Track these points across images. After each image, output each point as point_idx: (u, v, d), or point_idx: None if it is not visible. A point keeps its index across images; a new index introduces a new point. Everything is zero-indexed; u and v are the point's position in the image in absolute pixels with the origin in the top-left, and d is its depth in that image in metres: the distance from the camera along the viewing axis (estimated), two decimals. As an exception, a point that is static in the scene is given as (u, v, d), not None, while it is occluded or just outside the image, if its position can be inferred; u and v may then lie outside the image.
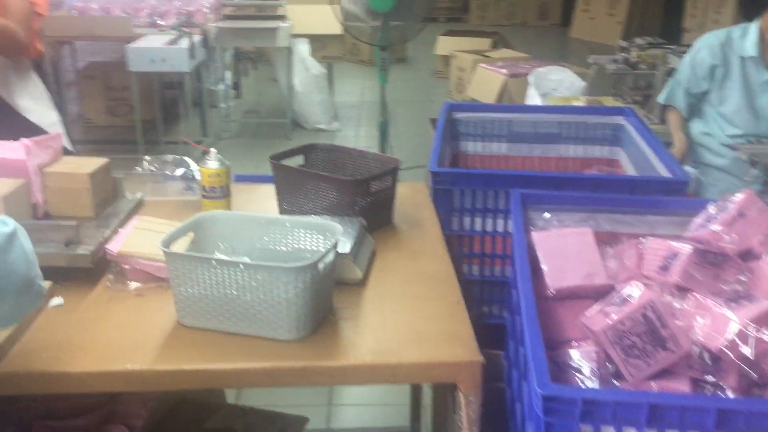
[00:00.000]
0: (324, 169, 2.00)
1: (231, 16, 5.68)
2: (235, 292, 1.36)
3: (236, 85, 6.90)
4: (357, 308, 1.50)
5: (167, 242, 1.42)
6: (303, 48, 5.81)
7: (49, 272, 1.51)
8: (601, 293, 1.66)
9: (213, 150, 1.79)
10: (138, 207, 1.85)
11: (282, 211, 1.91)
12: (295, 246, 1.54)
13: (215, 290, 1.37)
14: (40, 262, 1.49)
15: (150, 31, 4.97)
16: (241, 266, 1.34)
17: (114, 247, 1.58)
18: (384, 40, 3.89)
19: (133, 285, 1.55)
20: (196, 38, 4.75)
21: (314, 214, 1.83)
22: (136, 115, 4.80)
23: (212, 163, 1.77)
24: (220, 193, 1.79)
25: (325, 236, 1.50)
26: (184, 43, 4.53)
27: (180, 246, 1.48)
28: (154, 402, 1.88)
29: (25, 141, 1.68)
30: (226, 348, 1.36)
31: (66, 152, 2.09)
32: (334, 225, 1.49)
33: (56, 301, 1.50)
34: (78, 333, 1.40)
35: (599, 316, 1.57)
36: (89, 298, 1.52)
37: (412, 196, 2.09)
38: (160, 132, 5.13)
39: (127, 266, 1.58)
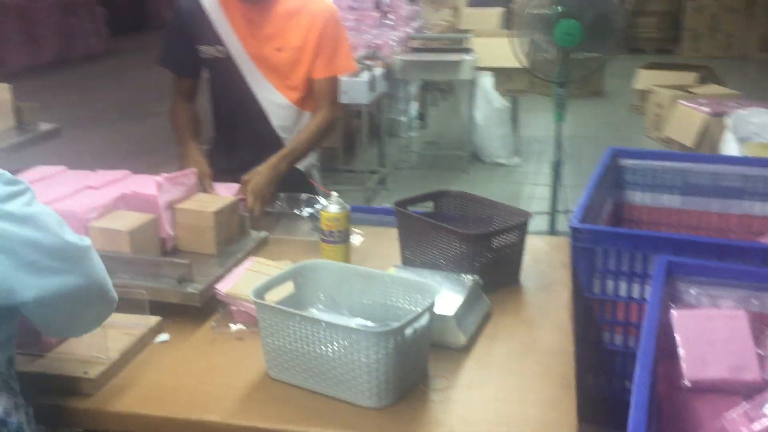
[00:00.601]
0: (453, 217, 1.89)
1: (417, 48, 5.74)
2: (318, 350, 1.30)
3: (422, 116, 6.97)
4: (453, 378, 1.38)
5: (261, 290, 1.39)
6: (486, 81, 5.72)
7: (161, 307, 1.55)
8: (751, 390, 1.40)
9: (334, 193, 1.76)
10: (261, 245, 1.86)
11: (404, 260, 1.83)
12: (393, 304, 1.45)
13: (300, 345, 1.32)
14: (153, 297, 1.55)
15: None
16: (323, 324, 1.28)
17: (223, 287, 1.58)
18: (562, 76, 3.69)
19: (236, 327, 1.55)
20: (378, 71, 4.83)
21: (434, 266, 1.73)
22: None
23: (332, 207, 1.74)
24: (338, 237, 1.75)
25: (424, 297, 1.39)
26: (365, 76, 4.63)
27: (279, 293, 1.46)
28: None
29: (158, 177, 1.75)
30: (304, 408, 1.29)
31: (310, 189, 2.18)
32: (432, 286, 1.39)
33: (162, 337, 1.53)
34: (171, 375, 1.41)
35: (744, 420, 1.32)
36: (193, 338, 1.53)
37: (549, 253, 1.92)
38: (339, 160, 5.28)
39: (234, 307, 1.58)
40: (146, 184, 1.80)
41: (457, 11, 8.74)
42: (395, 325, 1.25)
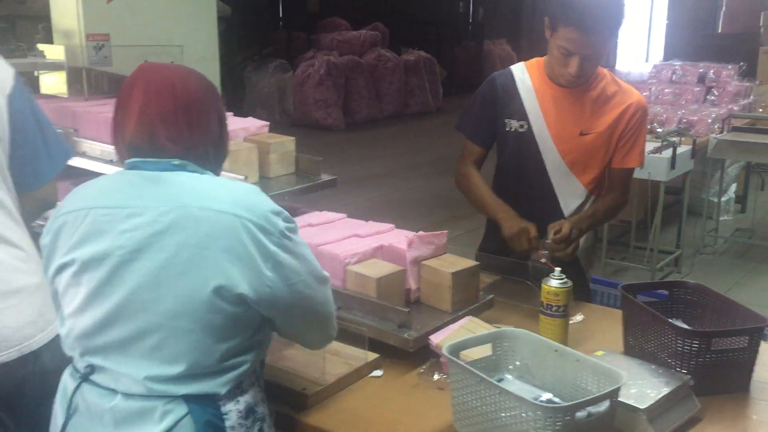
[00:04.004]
0: (684, 310, 1.81)
1: (739, 128, 5.34)
2: (495, 414, 1.37)
3: (740, 199, 6.41)
4: (631, 473, 1.35)
5: (457, 347, 1.51)
6: (819, 169, 5.11)
7: (381, 346, 1.75)
8: None
9: (558, 269, 1.81)
10: (485, 307, 1.96)
11: (626, 346, 1.80)
12: (582, 385, 1.45)
13: (480, 405, 1.40)
14: (376, 336, 1.75)
15: (647, 137, 5.01)
16: (498, 390, 1.35)
17: (435, 338, 1.73)
18: None
19: (438, 377, 1.68)
20: (683, 149, 4.62)
21: (654, 358, 1.68)
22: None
23: (553, 282, 1.78)
24: (556, 311, 1.78)
25: (610, 383, 1.38)
26: (667, 153, 4.46)
27: (478, 353, 1.56)
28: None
29: (409, 234, 1.94)
30: (472, 464, 1.38)
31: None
32: (619, 373, 1.37)
33: (377, 372, 1.73)
34: (371, 407, 1.59)
35: None
36: (401, 379, 1.70)
37: (797, 368, 1.73)
38: (631, 235, 5.11)
39: (442, 358, 1.71)
40: (402, 239, 1.99)
41: (805, 88, 7.90)
42: (565, 404, 1.28)
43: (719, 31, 13.65)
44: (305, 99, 10.70)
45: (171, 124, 1.35)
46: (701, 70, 6.12)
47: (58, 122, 2.40)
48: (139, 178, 1.35)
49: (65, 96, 2.69)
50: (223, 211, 1.28)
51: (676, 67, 6.27)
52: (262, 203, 1.33)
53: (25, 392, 1.64)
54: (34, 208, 1.74)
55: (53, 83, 2.77)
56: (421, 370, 1.73)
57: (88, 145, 2.36)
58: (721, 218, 5.84)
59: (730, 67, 6.13)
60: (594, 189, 2.29)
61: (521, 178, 2.32)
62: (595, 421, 1.33)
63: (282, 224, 1.33)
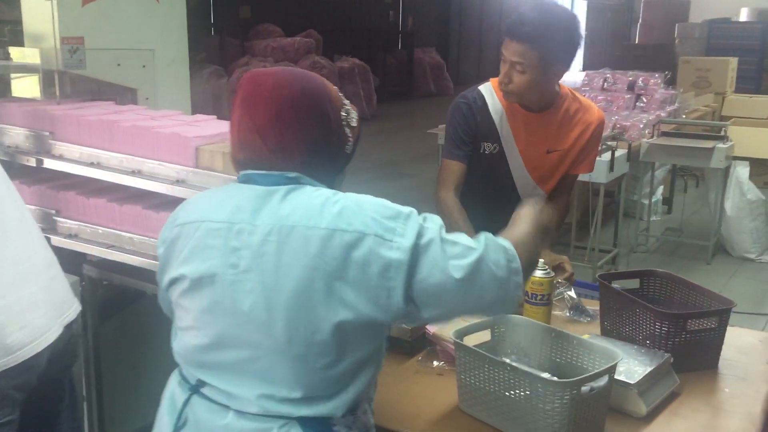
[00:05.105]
0: (655, 297, 1.97)
1: (668, 133, 5.67)
2: (502, 392, 1.48)
3: (667, 201, 6.78)
4: (626, 443, 1.48)
5: (462, 332, 1.61)
6: (741, 171, 5.47)
7: (379, 337, 1.83)
8: None
9: (541, 260, 1.93)
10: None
11: (603, 330, 1.94)
12: (579, 364, 1.58)
13: (487, 385, 1.51)
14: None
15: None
16: (509, 368, 1.46)
17: (431, 328, 1.83)
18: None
19: (437, 364, 1.78)
20: (620, 152, 4.88)
21: (631, 340, 1.82)
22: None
23: (538, 273, 1.91)
24: (540, 300, 1.91)
25: (606, 361, 1.51)
26: (606, 156, 4.71)
27: (477, 339, 1.66)
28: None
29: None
30: (483, 441, 1.48)
31: None
32: (615, 352, 1.50)
33: (378, 362, 1.81)
34: (378, 391, 1.66)
35: None
36: (402, 367, 1.79)
37: (756, 348, 1.91)
38: (572, 235, 5.35)
39: (438, 347, 1.81)
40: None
41: (721, 97, 8.42)
42: (573, 379, 1.40)
43: (636, 41, 14.29)
44: (241, 105, 10.65)
45: (267, 135, 1.27)
46: (630, 79, 6.44)
47: (33, 125, 2.40)
48: (250, 192, 1.28)
49: (39, 99, 2.66)
50: (333, 228, 1.20)
51: (608, 75, 6.57)
52: (375, 211, 1.24)
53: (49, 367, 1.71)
54: None
55: (25, 86, 2.73)
56: (419, 359, 1.82)
57: (66, 148, 2.35)
58: (646, 218, 6.16)
59: (657, 75, 6.48)
60: (551, 194, 2.43)
61: (491, 192, 2.41)
62: (596, 395, 1.45)
63: (402, 226, 1.22)
